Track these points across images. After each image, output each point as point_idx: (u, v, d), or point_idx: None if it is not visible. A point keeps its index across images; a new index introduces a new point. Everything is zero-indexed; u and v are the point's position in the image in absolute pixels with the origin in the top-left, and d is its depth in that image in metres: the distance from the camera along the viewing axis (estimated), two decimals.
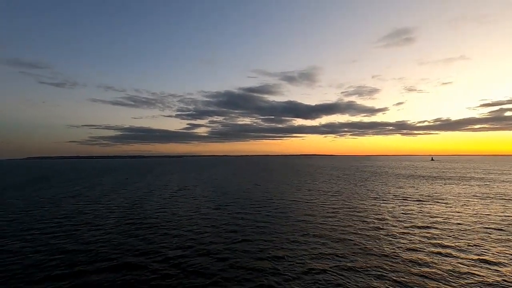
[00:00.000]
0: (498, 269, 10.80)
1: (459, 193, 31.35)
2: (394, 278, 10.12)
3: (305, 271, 10.77)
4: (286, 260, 11.96)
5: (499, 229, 16.26)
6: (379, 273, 10.57)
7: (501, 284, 9.61)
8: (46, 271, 11.06)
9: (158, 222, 19.17)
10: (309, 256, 12.34)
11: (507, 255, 12.18)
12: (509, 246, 13.34)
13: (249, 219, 19.63)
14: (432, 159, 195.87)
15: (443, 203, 25.06)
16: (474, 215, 19.93)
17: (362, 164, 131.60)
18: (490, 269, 10.82)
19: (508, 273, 10.42)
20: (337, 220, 18.86)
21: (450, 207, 23.16)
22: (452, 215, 20.20)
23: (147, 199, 28.89)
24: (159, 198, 29.84)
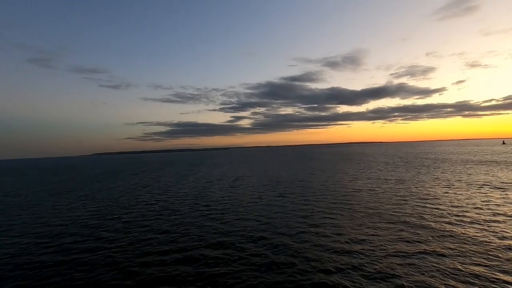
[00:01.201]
0: None
1: None
2: (488, 262, 9.62)
3: (388, 255, 10.79)
4: (367, 245, 12.06)
5: None
6: (471, 257, 10.14)
7: None
8: (147, 247, 12.82)
9: (228, 208, 20.56)
10: (388, 242, 12.26)
11: None
12: None
13: (315, 206, 19.93)
14: (503, 143, 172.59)
15: None
16: None
17: (418, 150, 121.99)
18: None
19: None
20: (409, 208, 18.17)
21: None
22: None
23: (210, 189, 30.89)
24: (221, 187, 31.70)
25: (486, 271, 9.34)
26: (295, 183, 32.09)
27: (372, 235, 13.36)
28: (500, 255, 10.50)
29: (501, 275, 9.03)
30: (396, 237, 12.93)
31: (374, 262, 10.32)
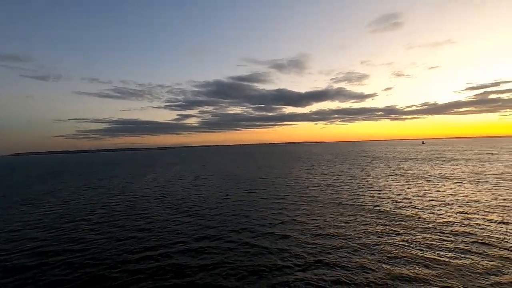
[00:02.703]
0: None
1: (463, 171, 33.82)
2: (429, 236, 11.96)
3: (357, 237, 12.50)
4: (336, 237, 13.66)
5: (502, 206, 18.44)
6: (421, 242, 12.40)
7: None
8: (121, 251, 12.46)
9: (198, 206, 20.59)
10: (354, 226, 14.07)
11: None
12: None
13: (284, 201, 21.25)
14: (423, 143, 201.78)
15: (455, 180, 27.35)
16: (485, 191, 22.16)
17: (357, 149, 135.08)
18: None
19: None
20: (366, 198, 20.70)
21: (462, 183, 25.44)
22: (469, 192, 22.40)
23: (173, 188, 30.15)
24: (183, 186, 31.13)
25: (430, 243, 11.57)
26: (257, 181, 33.23)
27: (342, 222, 15.07)
28: (438, 230, 13.01)
29: (439, 244, 11.31)
30: (360, 222, 14.85)
31: (347, 246, 11.84)
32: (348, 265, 9.90)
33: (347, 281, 8.84)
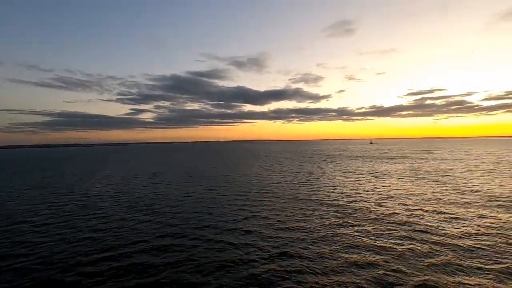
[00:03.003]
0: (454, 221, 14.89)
1: (405, 169, 37.73)
2: (377, 226, 13.35)
3: (319, 228, 13.37)
4: (302, 229, 14.43)
5: (434, 198, 21.17)
6: (363, 230, 13.72)
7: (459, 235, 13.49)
8: (74, 254, 11.70)
9: (158, 204, 19.94)
10: (315, 218, 15.00)
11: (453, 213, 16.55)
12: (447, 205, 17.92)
13: (246, 197, 21.59)
14: (371, 143, 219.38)
15: (398, 176, 30.41)
16: (426, 185, 25.10)
17: (312, 148, 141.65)
18: (452, 222, 14.84)
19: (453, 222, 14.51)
20: (323, 193, 22.01)
21: (404, 179, 28.42)
22: (410, 186, 25.10)
23: (130, 186, 28.64)
24: (141, 184, 29.72)
25: (379, 232, 12.89)
26: (218, 178, 33.12)
27: (302, 216, 15.89)
28: (386, 221, 14.51)
29: (386, 233, 12.69)
30: (318, 215, 15.83)
31: (308, 238, 12.60)
32: (309, 255, 10.56)
33: (309, 270, 9.44)
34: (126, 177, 35.88)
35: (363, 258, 10.20)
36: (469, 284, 8.39)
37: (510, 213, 15.67)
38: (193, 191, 24.59)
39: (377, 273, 9.10)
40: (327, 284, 8.55)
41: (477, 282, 8.49)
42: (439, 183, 25.90)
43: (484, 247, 11.06)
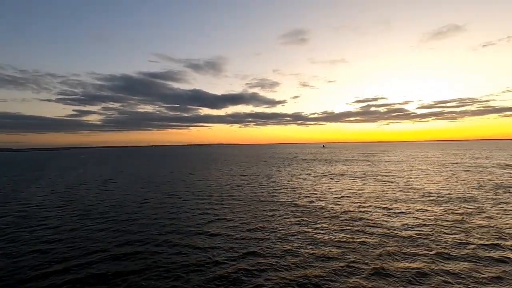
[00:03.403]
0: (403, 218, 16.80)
1: (355, 170, 40.97)
2: (331, 223, 14.57)
3: (283, 228, 14.05)
4: (267, 228, 14.96)
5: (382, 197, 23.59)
6: (329, 231, 14.86)
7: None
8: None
9: (113, 212, 18.87)
10: (279, 219, 15.68)
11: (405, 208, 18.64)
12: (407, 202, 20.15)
13: (207, 202, 21.52)
14: (323, 146, 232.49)
15: (350, 177, 32.92)
16: (375, 185, 27.62)
17: (269, 151, 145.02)
18: (399, 219, 16.69)
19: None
20: (282, 195, 22.94)
21: (355, 180, 30.92)
22: (360, 186, 27.39)
23: (78, 194, 26.45)
24: (90, 192, 27.60)
25: (336, 228, 14.05)
26: (177, 183, 32.29)
27: (265, 217, 16.46)
28: (341, 218, 15.83)
29: (342, 228, 13.90)
30: (280, 215, 16.57)
31: (273, 237, 13.19)
32: (275, 253, 11.08)
33: (276, 267, 9.93)
34: (73, 185, 32.91)
35: (323, 253, 11.04)
36: (411, 268, 9.66)
37: (442, 206, 18.19)
38: (151, 197, 23.65)
39: (336, 265, 9.96)
40: (293, 278, 9.12)
41: (418, 266, 9.81)
42: (384, 182, 28.75)
43: (422, 236, 12.74)
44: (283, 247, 11.65)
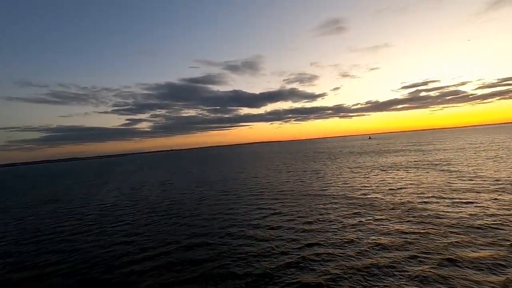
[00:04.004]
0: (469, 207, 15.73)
1: (409, 160, 38.61)
2: (391, 214, 14.14)
3: (343, 224, 14.13)
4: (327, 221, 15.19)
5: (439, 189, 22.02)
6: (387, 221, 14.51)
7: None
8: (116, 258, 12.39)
9: (178, 210, 20.60)
10: (337, 214, 15.76)
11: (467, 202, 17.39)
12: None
13: (262, 198, 22.31)
14: (370, 138, 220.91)
15: (404, 168, 31.25)
16: (430, 176, 25.95)
17: (312, 147, 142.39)
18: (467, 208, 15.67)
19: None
20: (335, 189, 22.78)
21: (410, 170, 29.27)
22: (417, 177, 25.96)
23: (140, 196, 29.28)
24: (151, 192, 30.36)
25: (394, 219, 13.67)
26: (228, 181, 33.80)
27: (322, 210, 16.64)
28: (399, 210, 15.31)
29: (398, 220, 13.47)
30: (336, 208, 16.58)
31: (333, 227, 13.36)
32: (338, 243, 11.29)
33: (341, 255, 10.17)
34: (136, 187, 36.46)
35: (387, 243, 10.94)
36: (485, 258, 9.16)
37: None
38: (207, 195, 25.25)
39: (402, 255, 9.85)
40: (360, 267, 9.29)
41: (493, 256, 9.25)
42: (445, 171, 26.76)
43: (496, 226, 11.84)
44: (345, 238, 11.80)
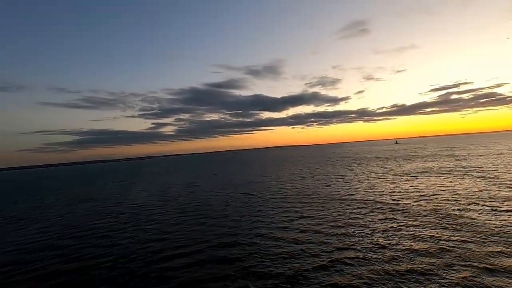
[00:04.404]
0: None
1: (441, 166, 36.89)
2: (423, 220, 13.63)
3: (372, 228, 13.89)
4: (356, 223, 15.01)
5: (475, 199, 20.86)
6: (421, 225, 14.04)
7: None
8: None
9: (205, 212, 21.17)
10: (367, 218, 15.51)
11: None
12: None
13: (288, 201, 22.38)
14: (396, 143, 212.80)
15: (436, 174, 29.97)
16: (462, 183, 24.70)
17: (336, 151, 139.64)
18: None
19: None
20: (363, 193, 22.35)
21: (442, 177, 28.01)
22: (451, 183, 24.83)
23: (169, 196, 30.33)
24: (179, 194, 31.37)
25: (427, 225, 13.20)
26: (253, 184, 34.15)
27: (351, 214, 16.44)
28: (433, 216, 14.75)
29: (432, 226, 12.97)
30: (366, 213, 16.30)
31: (363, 231, 13.18)
32: (369, 247, 11.16)
33: (373, 260, 10.06)
34: (164, 188, 37.83)
35: (421, 248, 10.65)
36: None
37: None
38: (233, 197, 25.69)
39: (438, 261, 9.56)
40: (395, 272, 9.14)
41: None
42: (481, 178, 25.33)
43: None
44: (377, 243, 11.62)
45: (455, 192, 20.27)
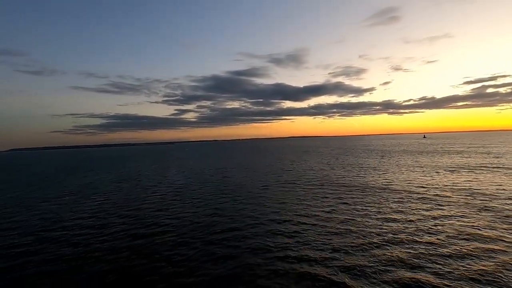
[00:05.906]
0: None
1: (481, 163, 35.49)
2: (459, 213, 13.54)
3: (411, 220, 14.05)
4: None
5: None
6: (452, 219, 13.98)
7: None
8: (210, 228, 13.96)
9: (244, 196, 21.99)
10: (405, 208, 15.64)
11: None
12: None
13: (322, 189, 22.73)
14: (424, 137, 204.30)
15: (476, 170, 29.03)
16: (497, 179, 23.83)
17: (359, 143, 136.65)
18: None
19: None
20: (398, 186, 22.25)
21: (484, 173, 27.12)
22: (496, 180, 24.09)
23: (203, 180, 31.61)
24: (212, 178, 32.58)
25: (482, 224, 13.14)
26: (282, 172, 34.67)
27: (393, 206, 16.61)
28: (482, 212, 14.59)
29: (489, 225, 12.88)
30: (409, 205, 16.38)
31: (410, 225, 13.41)
32: (418, 242, 11.44)
33: (423, 256, 10.37)
34: (197, 172, 39.34)
35: (481, 246, 10.78)
36: None
37: None
38: (267, 184, 26.28)
39: (504, 259, 9.69)
40: (449, 268, 9.42)
41: None
42: None
43: None
44: (424, 238, 11.85)
45: (505, 189, 19.69)
